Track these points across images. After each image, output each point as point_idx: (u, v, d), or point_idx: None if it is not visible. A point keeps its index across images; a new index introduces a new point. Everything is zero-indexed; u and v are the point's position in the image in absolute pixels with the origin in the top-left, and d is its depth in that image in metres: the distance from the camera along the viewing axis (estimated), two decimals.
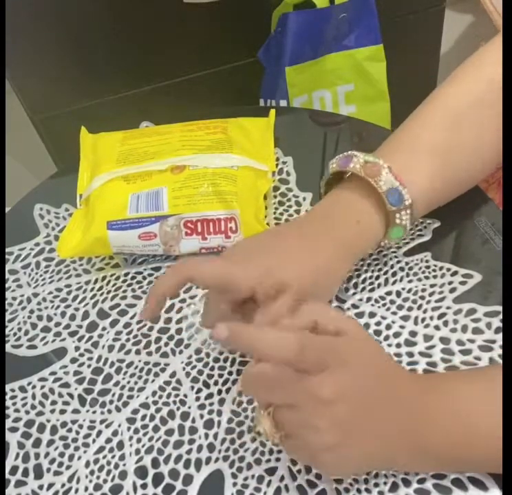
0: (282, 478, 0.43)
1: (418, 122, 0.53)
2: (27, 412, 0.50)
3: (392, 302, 0.51)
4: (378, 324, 0.50)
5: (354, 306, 0.51)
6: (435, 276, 0.52)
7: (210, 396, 0.49)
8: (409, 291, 0.52)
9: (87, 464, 0.46)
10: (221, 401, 0.48)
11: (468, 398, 0.40)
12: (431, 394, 0.40)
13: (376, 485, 0.42)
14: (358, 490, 0.42)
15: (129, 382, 0.50)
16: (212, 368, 0.50)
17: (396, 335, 0.49)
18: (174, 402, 0.49)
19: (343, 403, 0.37)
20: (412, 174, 0.49)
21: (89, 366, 0.52)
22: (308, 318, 0.39)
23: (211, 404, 0.48)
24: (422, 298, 0.51)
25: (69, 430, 0.48)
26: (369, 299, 0.52)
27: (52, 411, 0.50)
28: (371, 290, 0.52)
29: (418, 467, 0.42)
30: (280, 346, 0.36)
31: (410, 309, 0.50)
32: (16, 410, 0.50)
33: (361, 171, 0.48)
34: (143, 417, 0.48)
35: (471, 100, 0.52)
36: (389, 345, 0.49)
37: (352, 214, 0.49)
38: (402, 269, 0.53)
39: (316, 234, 0.48)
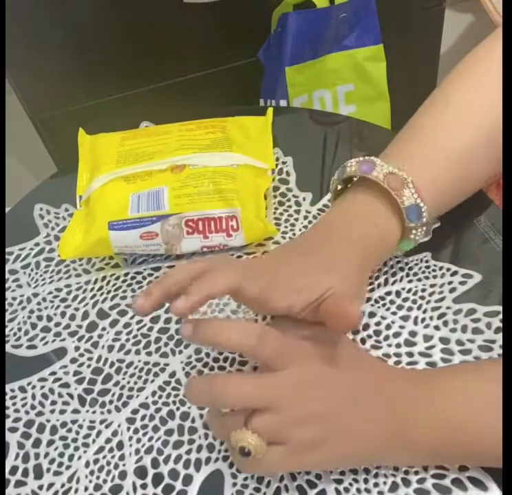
0: (282, 478, 0.43)
1: (431, 121, 0.52)
2: (27, 412, 0.50)
3: (392, 302, 0.51)
4: (378, 324, 0.50)
5: None
6: (435, 276, 0.52)
7: None
8: (408, 291, 0.52)
9: (87, 464, 0.46)
10: None
11: (459, 392, 0.40)
12: (420, 388, 0.40)
13: (376, 484, 0.42)
14: (358, 490, 0.42)
15: (128, 382, 0.50)
16: (212, 368, 0.50)
17: (396, 335, 0.49)
18: (174, 402, 0.49)
19: (317, 395, 0.38)
20: (429, 186, 0.48)
21: (89, 366, 0.52)
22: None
23: None
24: (422, 298, 0.51)
25: (69, 430, 0.48)
26: (369, 299, 0.52)
27: (52, 411, 0.50)
28: (371, 290, 0.52)
29: (409, 461, 0.42)
30: (241, 335, 0.38)
31: (410, 309, 0.50)
32: (16, 410, 0.50)
33: (384, 182, 0.47)
34: (143, 417, 0.48)
35: (472, 97, 0.51)
36: (389, 345, 0.49)
37: (370, 219, 0.48)
38: (402, 269, 0.53)
39: (333, 243, 0.47)
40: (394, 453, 0.40)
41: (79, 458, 0.47)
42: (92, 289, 0.57)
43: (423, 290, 0.51)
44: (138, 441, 0.47)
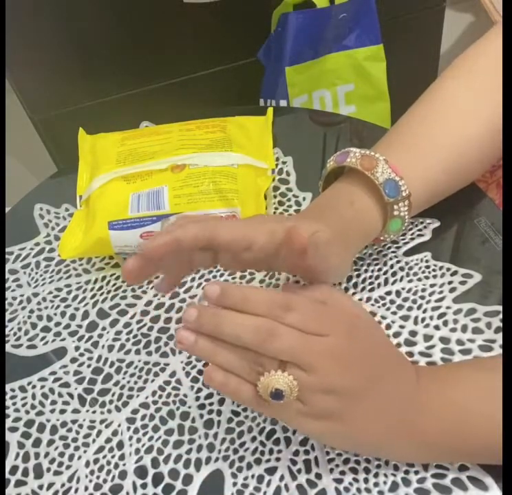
0: (282, 478, 0.43)
1: (415, 115, 0.53)
2: (27, 412, 0.50)
3: (392, 302, 0.51)
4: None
5: None
6: (435, 276, 0.52)
7: (210, 396, 0.49)
8: (408, 291, 0.52)
9: (87, 464, 0.46)
10: (221, 401, 0.48)
11: (464, 387, 0.40)
12: (427, 381, 0.41)
13: (376, 484, 0.42)
14: (358, 490, 0.42)
15: (128, 382, 0.50)
16: None
17: (396, 335, 0.49)
18: (174, 402, 0.49)
19: (350, 372, 0.38)
20: (410, 167, 0.49)
21: (89, 365, 0.52)
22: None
23: (211, 404, 0.48)
24: (422, 297, 0.51)
25: (69, 430, 0.48)
26: (369, 299, 0.52)
27: (52, 411, 0.50)
28: (371, 290, 0.52)
29: (414, 457, 0.42)
30: (270, 300, 0.37)
31: (410, 308, 0.50)
32: (16, 410, 0.50)
33: (358, 164, 0.48)
34: (143, 417, 0.48)
35: (468, 91, 0.52)
36: None
37: (346, 198, 0.49)
38: (402, 269, 0.53)
39: (317, 219, 0.48)
40: (401, 451, 0.41)
41: (79, 457, 0.47)
42: (92, 289, 0.57)
43: (423, 290, 0.51)
44: (138, 440, 0.47)
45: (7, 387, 0.52)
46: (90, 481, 0.46)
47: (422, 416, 0.40)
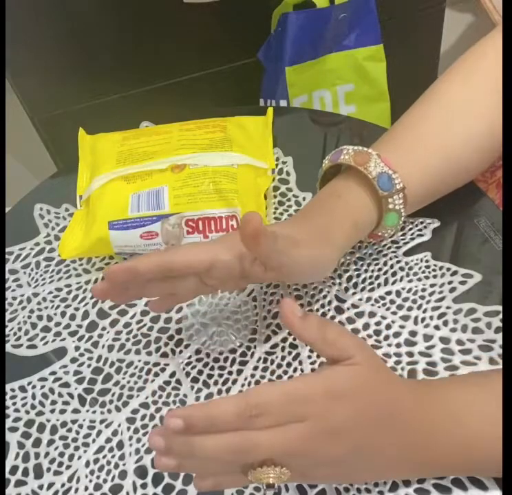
0: None
1: (414, 115, 0.53)
2: (27, 412, 0.50)
3: (392, 301, 0.51)
4: (378, 324, 0.50)
5: (354, 306, 0.51)
6: (435, 276, 0.52)
7: (210, 396, 0.49)
8: (408, 291, 0.52)
9: (87, 464, 0.46)
10: None
11: (468, 408, 0.39)
12: (429, 405, 0.39)
13: (376, 484, 0.42)
14: (358, 490, 0.42)
15: (128, 382, 0.50)
16: (212, 368, 0.50)
17: (396, 335, 0.49)
18: (174, 402, 0.49)
19: (339, 441, 0.37)
20: (407, 163, 0.50)
21: (89, 365, 0.52)
22: (317, 332, 0.38)
23: None
24: (422, 297, 0.51)
25: (69, 430, 0.48)
26: (369, 299, 0.52)
27: (52, 411, 0.50)
28: (371, 290, 0.52)
29: (417, 476, 0.42)
30: (236, 412, 0.35)
31: (410, 308, 0.50)
32: (16, 410, 0.50)
33: (351, 160, 0.49)
34: (143, 417, 0.48)
35: (468, 92, 0.52)
36: (389, 345, 0.49)
37: (335, 193, 0.50)
38: (402, 269, 0.53)
39: (296, 219, 0.49)
40: (402, 473, 0.41)
41: (79, 457, 0.47)
42: None
43: (423, 290, 0.51)
44: (138, 440, 0.47)
45: (7, 387, 0.52)
46: (90, 481, 0.46)
47: (428, 442, 0.39)
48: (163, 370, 0.51)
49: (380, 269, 0.53)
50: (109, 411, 0.49)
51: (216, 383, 0.49)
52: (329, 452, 0.37)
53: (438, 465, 0.40)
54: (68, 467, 0.47)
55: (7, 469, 0.47)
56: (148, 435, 0.37)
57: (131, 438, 0.47)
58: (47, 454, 0.47)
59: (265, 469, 0.36)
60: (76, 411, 0.49)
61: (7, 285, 0.59)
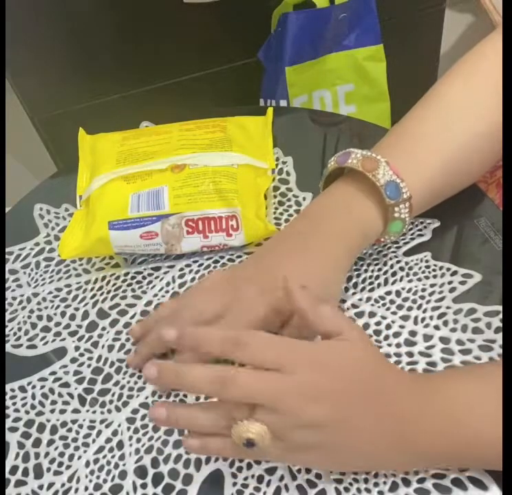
0: (282, 478, 0.43)
1: (415, 118, 0.53)
2: (27, 412, 0.50)
3: (392, 301, 0.51)
4: (378, 323, 0.50)
5: (354, 306, 0.51)
6: (435, 276, 0.52)
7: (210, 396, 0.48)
8: (408, 290, 0.52)
9: (87, 464, 0.46)
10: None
11: (463, 398, 0.40)
12: (424, 394, 0.40)
13: (376, 484, 0.42)
14: (358, 490, 0.42)
15: (128, 382, 0.50)
16: None
17: (396, 335, 0.49)
18: (174, 402, 0.49)
19: (319, 404, 0.37)
20: (410, 169, 0.49)
21: (89, 365, 0.52)
22: (311, 303, 0.41)
23: None
24: (422, 297, 0.51)
25: (69, 430, 0.48)
26: (369, 299, 0.52)
27: (52, 411, 0.50)
28: (371, 290, 0.52)
29: (410, 467, 0.42)
30: (221, 339, 0.38)
31: (410, 308, 0.50)
32: (16, 410, 0.50)
33: (359, 165, 0.49)
34: (143, 417, 0.48)
35: (468, 93, 0.52)
36: (389, 345, 0.49)
37: (344, 205, 0.49)
38: (402, 268, 0.53)
39: (305, 233, 0.49)
40: (392, 461, 0.41)
41: (79, 457, 0.47)
42: (92, 289, 0.57)
43: (423, 290, 0.51)
44: (138, 440, 0.47)
45: (7, 387, 0.52)
46: (90, 481, 0.46)
47: (419, 430, 0.39)
48: None
49: (380, 269, 0.53)
50: (109, 411, 0.49)
51: None
52: (306, 411, 0.37)
53: (432, 454, 0.40)
54: (68, 467, 0.47)
55: (7, 469, 0.47)
56: (143, 368, 0.40)
57: (131, 438, 0.47)
58: (47, 454, 0.47)
59: (246, 423, 0.37)
60: (76, 411, 0.49)
61: (7, 285, 0.59)
